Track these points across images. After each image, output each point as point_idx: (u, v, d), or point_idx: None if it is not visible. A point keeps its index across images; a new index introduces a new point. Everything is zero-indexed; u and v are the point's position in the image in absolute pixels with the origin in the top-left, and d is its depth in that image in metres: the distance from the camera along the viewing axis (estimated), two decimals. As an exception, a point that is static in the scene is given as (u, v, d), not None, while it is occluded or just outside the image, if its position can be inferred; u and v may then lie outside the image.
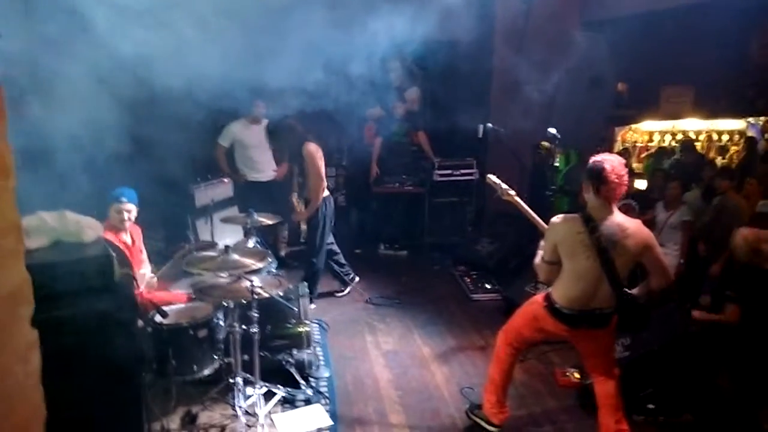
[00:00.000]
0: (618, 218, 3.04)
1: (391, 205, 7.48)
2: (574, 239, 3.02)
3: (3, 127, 1.35)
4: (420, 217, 7.47)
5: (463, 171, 7.29)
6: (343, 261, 5.89)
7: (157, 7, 3.63)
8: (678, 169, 6.39)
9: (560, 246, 3.08)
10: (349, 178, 7.80)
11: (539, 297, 3.33)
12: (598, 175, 3.00)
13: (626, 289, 3.07)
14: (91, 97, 3.78)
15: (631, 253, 2.99)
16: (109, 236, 3.68)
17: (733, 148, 8.18)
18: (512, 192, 3.71)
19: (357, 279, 6.03)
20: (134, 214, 4.07)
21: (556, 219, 3.16)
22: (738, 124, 8.24)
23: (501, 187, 3.73)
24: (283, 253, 5.51)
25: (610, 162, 3.00)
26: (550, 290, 3.22)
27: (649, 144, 8.51)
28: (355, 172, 7.67)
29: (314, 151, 5.24)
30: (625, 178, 3.02)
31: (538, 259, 3.27)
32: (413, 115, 7.54)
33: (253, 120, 6.19)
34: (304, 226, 5.43)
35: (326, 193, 5.41)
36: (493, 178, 3.81)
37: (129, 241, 4.08)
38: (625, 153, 7.90)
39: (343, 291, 5.93)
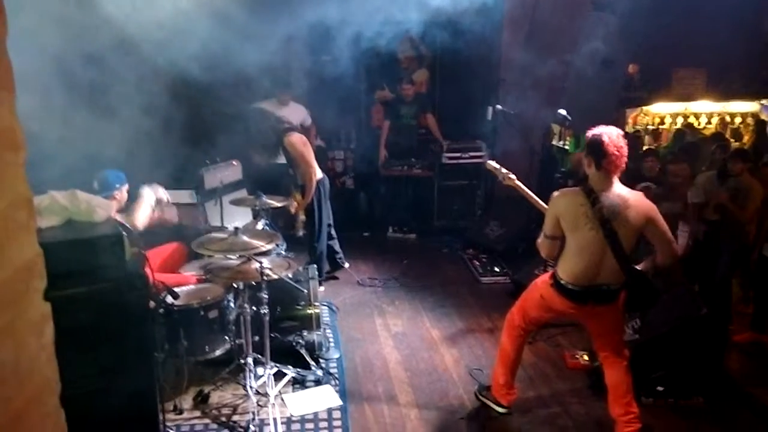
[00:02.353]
0: (619, 190, 3.04)
1: (399, 189, 7.45)
2: (577, 211, 3.02)
3: (13, 103, 1.35)
4: (429, 200, 7.44)
5: (472, 154, 7.24)
6: (337, 248, 5.87)
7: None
8: (689, 151, 6.29)
9: (563, 219, 3.08)
10: (357, 161, 7.77)
11: (545, 276, 3.32)
12: (598, 148, 3.01)
13: (633, 265, 3.06)
14: (98, 79, 3.78)
15: (633, 225, 2.98)
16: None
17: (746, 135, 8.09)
18: (512, 176, 3.68)
19: (347, 265, 6.01)
20: None
21: (558, 193, 3.16)
22: (751, 106, 8.13)
23: (501, 172, 3.71)
24: (301, 233, 5.47)
25: (608, 134, 3.01)
26: (555, 268, 3.21)
27: (661, 126, 8.41)
28: (364, 155, 7.64)
29: (296, 140, 5.16)
30: (624, 149, 3.02)
31: (540, 238, 3.26)
32: (422, 98, 7.48)
33: (282, 101, 6.11)
34: (302, 217, 5.36)
35: (319, 175, 5.37)
36: (492, 163, 3.80)
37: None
38: (637, 135, 7.81)
39: (331, 272, 5.90)
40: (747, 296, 4.96)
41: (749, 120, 8.17)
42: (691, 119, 8.33)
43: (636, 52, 7.58)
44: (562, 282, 3.12)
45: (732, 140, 7.75)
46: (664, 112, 8.33)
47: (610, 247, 2.98)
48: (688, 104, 8.21)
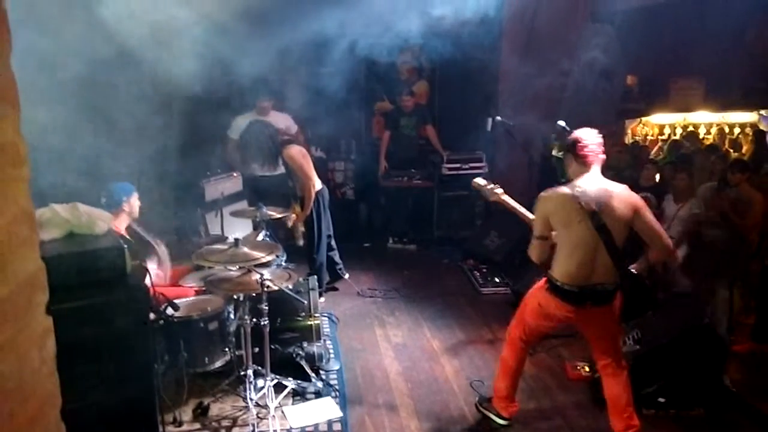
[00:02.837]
0: (602, 182, 3.11)
1: (399, 199, 7.47)
2: (566, 206, 3.06)
3: (17, 118, 1.36)
4: (429, 211, 7.46)
5: (471, 165, 7.26)
6: (337, 259, 5.86)
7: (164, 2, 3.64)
8: (685, 161, 6.31)
9: (553, 217, 3.12)
10: (357, 172, 7.79)
11: (540, 283, 3.33)
12: (574, 142, 3.14)
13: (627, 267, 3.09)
14: (98, 91, 3.81)
15: (620, 216, 3.02)
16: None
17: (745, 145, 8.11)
18: (499, 190, 3.68)
19: (347, 275, 6.00)
20: None
21: (545, 193, 3.20)
22: (750, 116, 8.16)
23: (486, 189, 3.70)
24: (301, 243, 5.48)
25: (581, 130, 3.17)
26: (550, 272, 3.22)
27: (660, 137, 8.44)
28: (364, 165, 7.67)
29: (295, 153, 5.15)
30: (599, 141, 3.14)
31: (531, 243, 3.30)
32: (421, 109, 7.51)
33: (260, 112, 6.12)
34: (302, 228, 5.36)
35: (319, 186, 5.38)
36: (477, 181, 3.80)
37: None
38: (636, 145, 7.83)
39: (331, 283, 5.88)
40: (748, 306, 4.96)
41: (748, 130, 8.21)
42: (691, 129, 8.37)
43: (634, 63, 7.63)
44: (558, 283, 3.13)
45: (731, 151, 7.78)
46: (663, 123, 8.37)
47: (602, 240, 3.01)
48: (686, 115, 8.24)
